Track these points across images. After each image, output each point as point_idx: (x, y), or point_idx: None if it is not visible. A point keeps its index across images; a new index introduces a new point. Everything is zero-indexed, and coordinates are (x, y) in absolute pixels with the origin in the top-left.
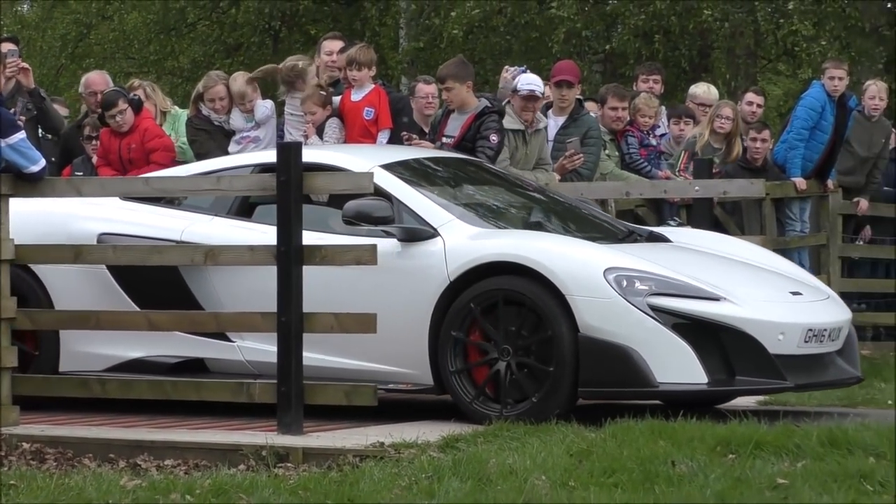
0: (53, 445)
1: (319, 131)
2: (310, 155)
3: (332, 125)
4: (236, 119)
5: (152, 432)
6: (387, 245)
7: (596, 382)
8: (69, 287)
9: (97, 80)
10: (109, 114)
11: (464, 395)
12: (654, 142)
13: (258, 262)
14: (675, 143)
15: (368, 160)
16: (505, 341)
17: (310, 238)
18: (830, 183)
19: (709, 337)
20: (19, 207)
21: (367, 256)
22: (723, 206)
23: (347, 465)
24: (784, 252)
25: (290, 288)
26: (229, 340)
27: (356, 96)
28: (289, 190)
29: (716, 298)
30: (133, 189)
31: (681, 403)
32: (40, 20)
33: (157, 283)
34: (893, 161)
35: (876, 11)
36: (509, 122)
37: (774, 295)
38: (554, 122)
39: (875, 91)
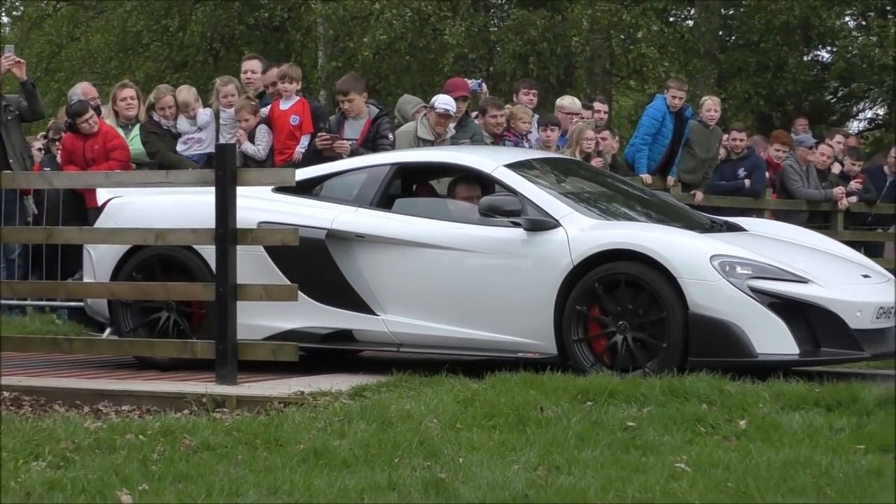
0: (29, 394)
1: (251, 136)
2: (440, 155)
3: (262, 130)
4: (182, 124)
5: (112, 383)
6: (514, 234)
7: (704, 353)
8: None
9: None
10: (82, 119)
11: (584, 361)
12: (526, 144)
13: (200, 241)
14: (544, 146)
15: (493, 160)
16: (622, 317)
17: (446, 228)
18: (671, 179)
19: (798, 314)
20: (189, 199)
21: (290, 238)
22: None
23: (274, 410)
24: None
25: (226, 263)
26: (374, 314)
27: (284, 105)
28: (225, 182)
29: (804, 281)
30: (95, 182)
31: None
32: (20, 40)
33: (309, 262)
34: (725, 160)
35: (709, 38)
36: (422, 131)
37: (849, 278)
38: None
39: (711, 105)
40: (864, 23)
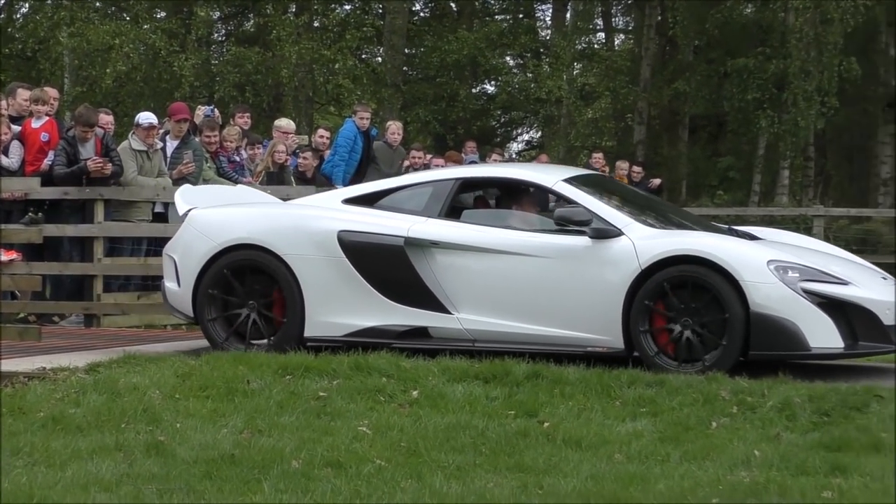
0: None
1: (5, 149)
2: (504, 171)
3: (15, 145)
4: None
5: None
6: (580, 241)
7: (765, 347)
8: (315, 272)
9: None
10: None
11: (648, 350)
12: (237, 158)
13: None
14: (251, 161)
15: (552, 175)
16: (686, 314)
17: (516, 236)
18: None
19: (840, 312)
20: (276, 210)
21: (34, 236)
22: None
23: (19, 383)
24: None
25: None
26: (448, 313)
27: (36, 124)
28: None
29: (845, 283)
30: None
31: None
32: None
33: (388, 266)
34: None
35: (395, 72)
36: (135, 144)
37: (875, 279)
38: (171, 145)
39: (394, 128)
40: (521, 62)
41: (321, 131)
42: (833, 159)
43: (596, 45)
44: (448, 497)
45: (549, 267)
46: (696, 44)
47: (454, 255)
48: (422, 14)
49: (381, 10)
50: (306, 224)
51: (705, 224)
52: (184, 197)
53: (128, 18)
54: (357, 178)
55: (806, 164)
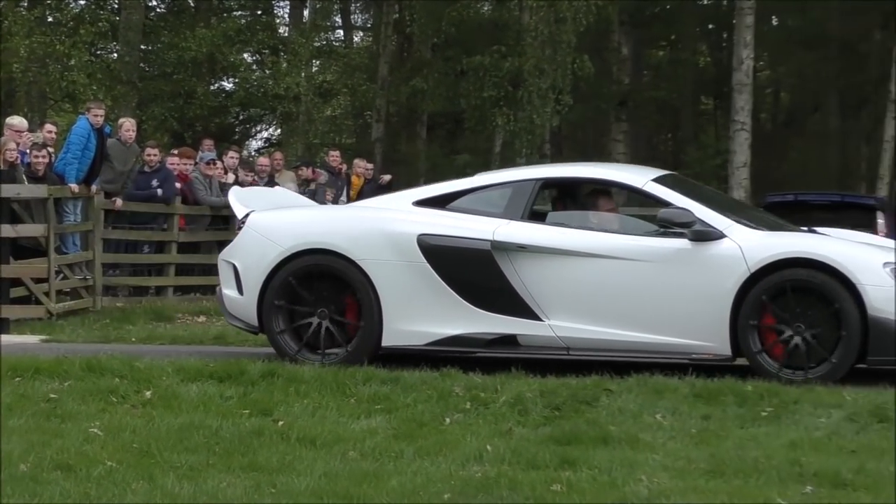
0: None
1: None
2: (588, 171)
3: None
4: None
5: None
6: (679, 244)
7: (884, 353)
8: (393, 277)
9: None
10: None
11: (752, 346)
12: None
13: None
14: None
15: (640, 176)
16: (798, 319)
17: (609, 239)
18: (94, 188)
19: None
20: (347, 213)
21: None
22: (19, 202)
23: None
24: (63, 236)
25: None
26: (539, 319)
27: None
28: None
29: None
30: None
31: None
32: None
33: (473, 271)
34: (141, 172)
35: (131, 68)
36: None
37: None
38: None
39: (128, 126)
40: (260, 59)
41: (48, 126)
42: (568, 156)
43: (335, 43)
44: (180, 497)
45: (649, 271)
46: (433, 41)
47: (544, 259)
48: (158, 10)
49: (116, 6)
50: (382, 227)
51: (787, 224)
52: (239, 199)
53: None
54: (91, 176)
55: (542, 160)
